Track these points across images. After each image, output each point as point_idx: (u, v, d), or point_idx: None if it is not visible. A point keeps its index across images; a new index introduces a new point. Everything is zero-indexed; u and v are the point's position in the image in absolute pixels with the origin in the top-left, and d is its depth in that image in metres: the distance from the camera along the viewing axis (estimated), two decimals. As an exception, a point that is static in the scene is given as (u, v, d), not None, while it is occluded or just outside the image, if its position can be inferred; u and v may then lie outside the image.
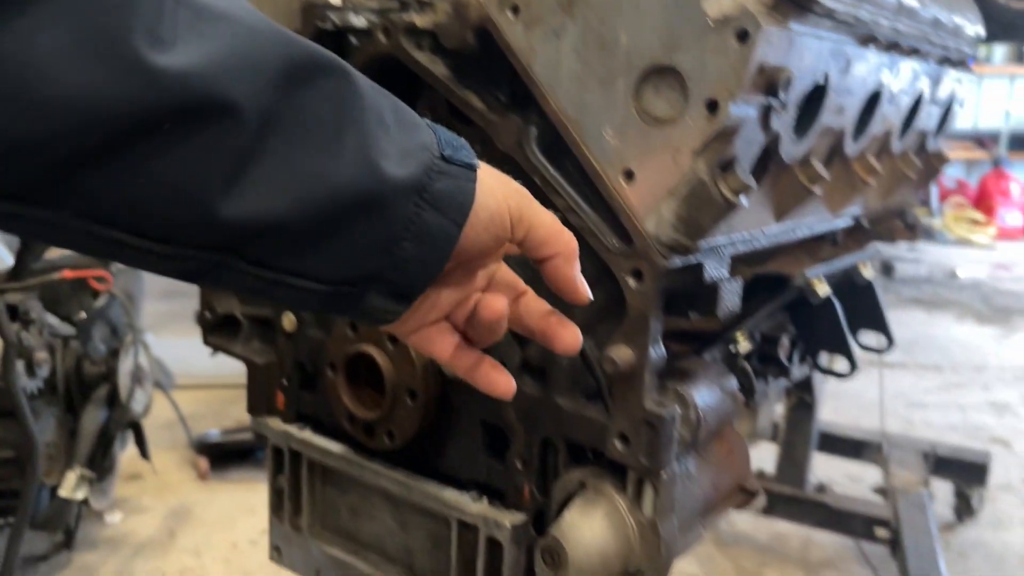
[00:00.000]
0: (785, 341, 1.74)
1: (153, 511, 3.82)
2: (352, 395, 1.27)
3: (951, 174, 11.89)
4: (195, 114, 0.55)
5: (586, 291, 0.82)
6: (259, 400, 1.46)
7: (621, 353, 1.00)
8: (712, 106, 0.92)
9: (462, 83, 1.12)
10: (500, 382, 0.80)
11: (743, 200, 0.95)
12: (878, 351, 1.74)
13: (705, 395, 1.15)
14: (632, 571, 1.03)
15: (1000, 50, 12.01)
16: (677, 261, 0.99)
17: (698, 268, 1.02)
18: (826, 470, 3.97)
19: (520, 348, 1.15)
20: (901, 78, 1.29)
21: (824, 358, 1.68)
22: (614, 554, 1.01)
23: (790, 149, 1.07)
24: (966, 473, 4.01)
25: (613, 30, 0.96)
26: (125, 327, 3.69)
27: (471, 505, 1.19)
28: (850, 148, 1.25)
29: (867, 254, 1.60)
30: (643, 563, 1.02)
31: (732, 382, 1.23)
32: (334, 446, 1.35)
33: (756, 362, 1.60)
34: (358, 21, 1.23)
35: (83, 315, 3.54)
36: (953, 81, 1.52)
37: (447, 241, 0.71)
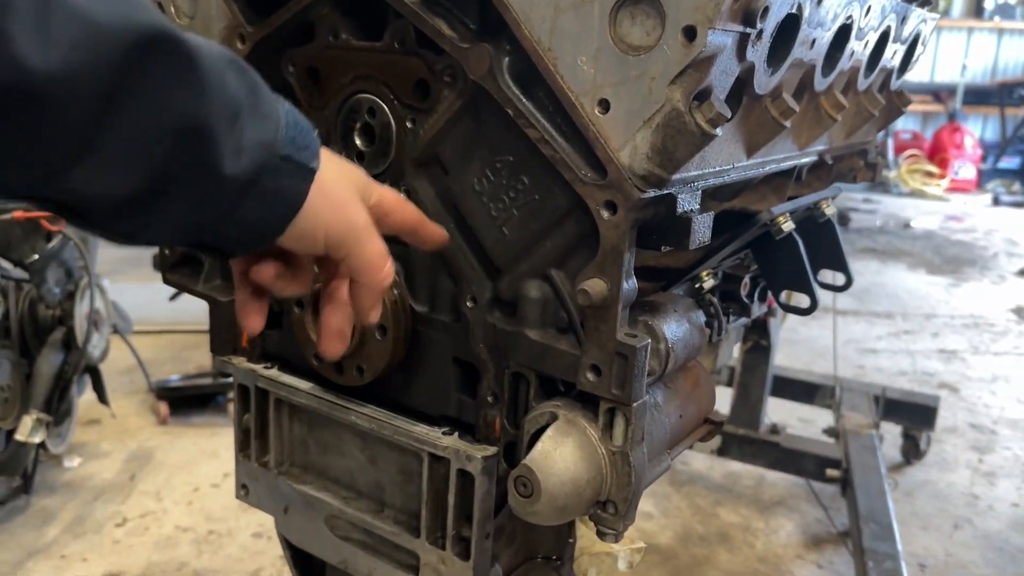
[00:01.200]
0: (746, 280, 1.76)
1: (113, 456, 3.78)
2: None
3: (907, 127, 12.08)
4: (31, 97, 0.58)
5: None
6: (223, 340, 1.44)
7: (594, 286, 1.00)
8: (689, 33, 0.90)
9: (431, 10, 1.09)
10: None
11: (718, 131, 0.95)
12: (837, 289, 1.77)
13: (674, 328, 1.16)
14: (603, 500, 1.05)
15: (959, 3, 12.13)
16: (650, 193, 0.98)
17: (671, 200, 1.02)
18: (779, 413, 4.08)
19: (491, 283, 1.15)
20: (870, 13, 1.29)
21: (784, 296, 1.71)
22: (586, 483, 1.02)
23: (763, 80, 1.06)
24: (915, 416, 4.15)
25: (589, -46, 0.94)
26: (80, 270, 3.60)
27: (442, 439, 1.19)
28: (819, 83, 1.25)
29: (829, 192, 1.62)
30: (613, 492, 1.04)
31: (700, 316, 1.24)
32: (302, 383, 1.34)
33: (718, 300, 1.62)
34: (322, -56, 1.18)
35: (36, 257, 3.44)
36: (918, 20, 1.52)
37: (265, 235, 0.82)
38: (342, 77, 1.21)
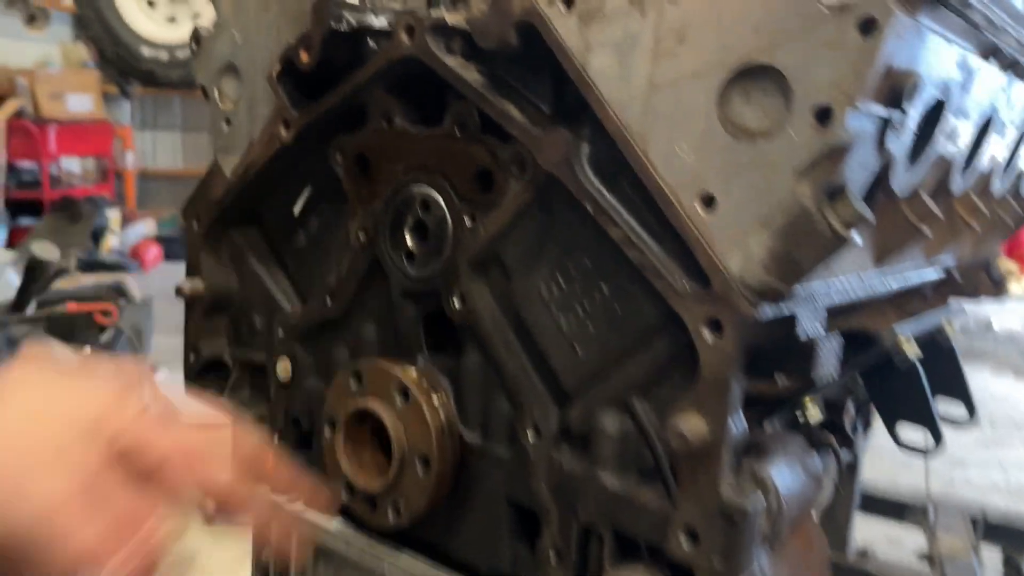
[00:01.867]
0: (850, 407, 1.52)
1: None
2: (353, 459, 1.07)
3: (981, 235, 11.62)
4: None
5: None
6: (246, 458, 1.25)
7: (692, 424, 0.79)
8: (823, 115, 0.72)
9: (498, 91, 0.94)
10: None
11: (855, 235, 0.75)
12: (959, 424, 1.51)
13: (787, 476, 0.93)
14: None
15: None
16: (766, 310, 0.78)
17: (789, 321, 0.82)
18: (865, 531, 3.68)
19: (558, 410, 0.95)
20: (1014, 105, 1.09)
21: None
22: None
23: (902, 178, 0.87)
24: (1018, 540, 3.70)
25: (695, 21, 0.78)
26: (130, 363, 3.50)
27: (492, 603, 0.97)
28: (956, 184, 1.05)
29: (952, 311, 1.39)
30: None
31: (816, 461, 1.01)
32: (329, 522, 1.14)
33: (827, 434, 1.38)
34: (378, 22, 1.05)
35: (88, 351, 3.37)
36: (1058, 116, 1.31)
37: None
38: (395, 166, 1.05)
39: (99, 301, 3.36)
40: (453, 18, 0.95)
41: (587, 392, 0.92)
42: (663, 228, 0.83)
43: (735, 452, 0.82)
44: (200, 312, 1.28)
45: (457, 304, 1.00)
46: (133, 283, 4.02)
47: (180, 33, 7.60)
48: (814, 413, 1.26)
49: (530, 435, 0.95)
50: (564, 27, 0.86)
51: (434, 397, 1.02)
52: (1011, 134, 1.16)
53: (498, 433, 1.01)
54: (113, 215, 9.39)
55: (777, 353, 0.83)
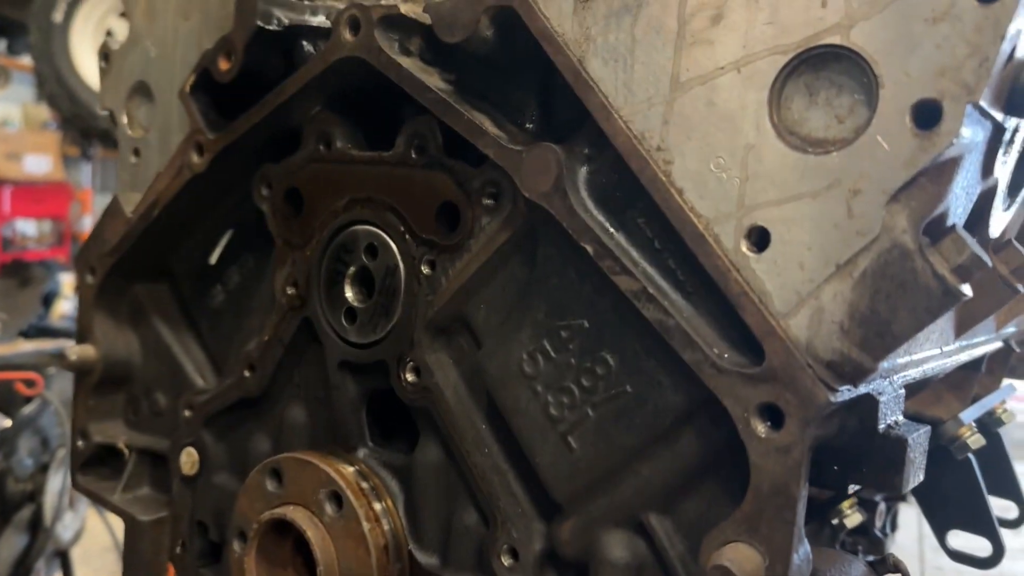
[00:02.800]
0: (882, 507, 1.28)
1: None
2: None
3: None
4: None
5: None
6: (139, 575, 0.98)
7: (740, 558, 0.55)
8: (927, 114, 0.51)
9: (467, 101, 0.72)
10: None
11: (967, 289, 0.53)
12: (1013, 525, 1.28)
13: (853, 621, 0.68)
14: None
15: None
16: (844, 392, 0.55)
17: (869, 406, 0.58)
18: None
19: (544, 525, 0.70)
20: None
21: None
22: None
23: (998, 216, 0.65)
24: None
25: (736, -10, 0.57)
26: (58, 438, 3.19)
27: None
28: (1037, 234, 0.84)
29: (1005, 392, 1.17)
30: None
31: (879, 590, 0.77)
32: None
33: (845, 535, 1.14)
34: (316, 19, 0.84)
35: (7, 424, 3.06)
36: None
37: None
38: (334, 202, 0.82)
39: (23, 370, 3.05)
40: (409, 8, 0.74)
41: (585, 504, 0.67)
42: (694, 278, 0.60)
43: (797, 594, 0.58)
44: (91, 386, 1.02)
45: (411, 379, 0.76)
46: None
47: (143, 96, 7.43)
48: (854, 519, 1.02)
49: (505, 560, 0.70)
50: (555, 10, 0.64)
51: (376, 505, 0.77)
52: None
53: (463, 556, 0.75)
54: (67, 280, 9.06)
55: (850, 453, 0.60)
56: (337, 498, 0.76)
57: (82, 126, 7.23)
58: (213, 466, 0.93)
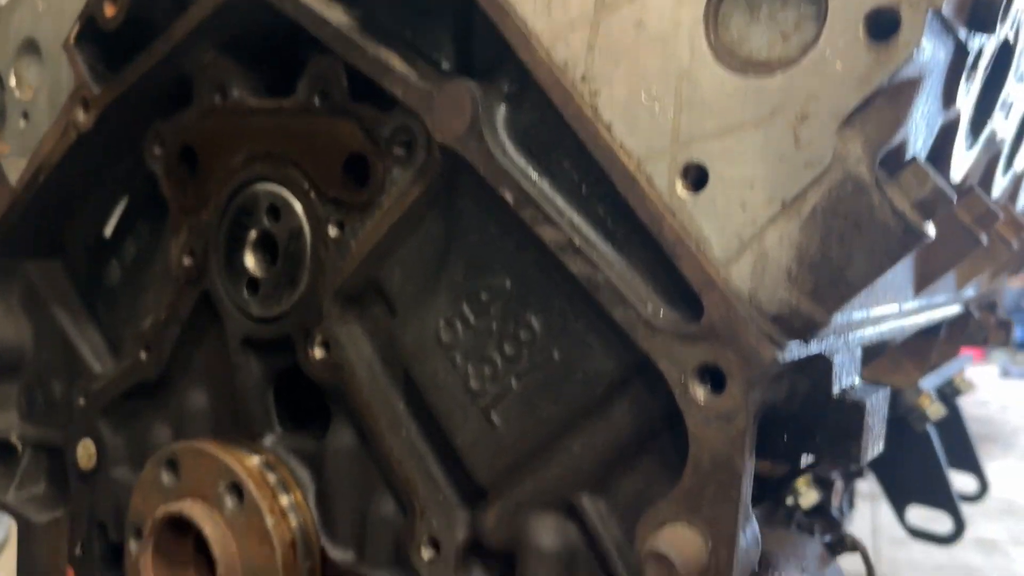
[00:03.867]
0: (839, 485, 1.24)
1: None
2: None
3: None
4: None
5: None
6: (34, 583, 0.89)
7: (679, 541, 0.48)
8: (884, 23, 0.44)
9: (374, 36, 0.64)
10: None
11: (930, 227, 0.46)
12: (972, 499, 1.24)
13: (810, 607, 0.62)
14: None
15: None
16: (791, 350, 0.48)
17: (821, 367, 0.52)
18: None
19: (467, 513, 0.62)
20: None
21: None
22: None
23: (960, 156, 0.59)
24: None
25: None
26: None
27: None
28: (997, 184, 0.79)
29: (962, 362, 1.13)
30: None
31: (837, 571, 0.70)
32: None
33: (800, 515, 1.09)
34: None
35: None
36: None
37: None
38: (231, 158, 0.73)
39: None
40: (307, -66, 0.65)
41: (511, 487, 0.60)
42: (625, 225, 0.53)
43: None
44: (-24, 376, 0.92)
45: (319, 355, 0.68)
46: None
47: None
48: (809, 497, 0.97)
49: (424, 554, 0.63)
50: (466, -72, 0.57)
51: (283, 498, 0.68)
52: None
53: (380, 549, 0.67)
54: None
55: (802, 421, 0.53)
56: (238, 491, 0.68)
57: None
58: (111, 459, 0.84)
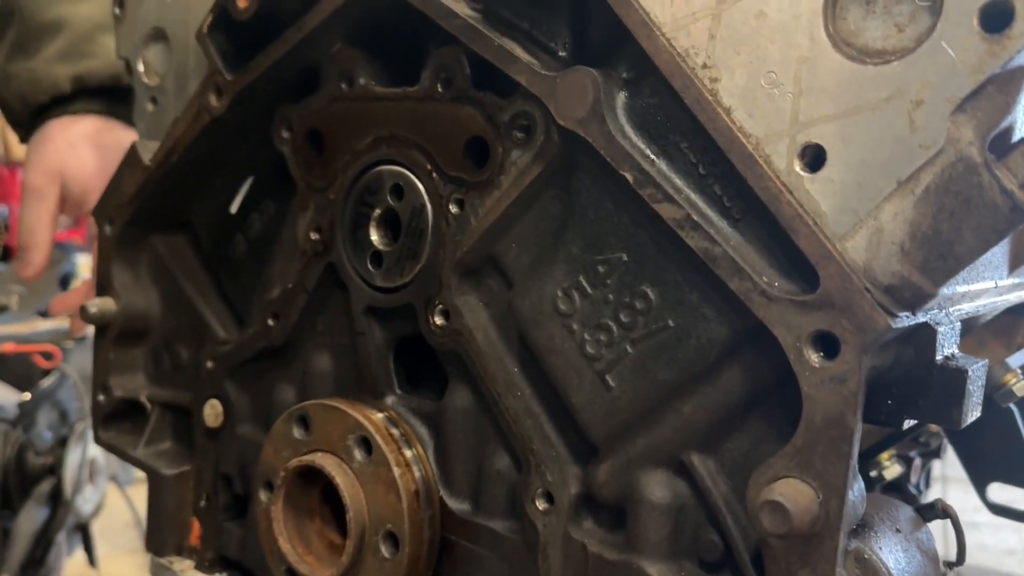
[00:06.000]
0: (917, 462, 1.26)
1: (101, 628, 3.25)
2: (296, 534, 0.78)
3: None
4: None
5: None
6: (164, 531, 0.97)
7: (793, 493, 0.52)
8: (998, 16, 0.47)
9: (496, 26, 0.69)
10: None
11: (1038, 205, 0.49)
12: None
13: (903, 563, 0.66)
14: None
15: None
16: (903, 319, 0.52)
17: (925, 337, 0.55)
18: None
19: (580, 468, 0.68)
20: None
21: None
22: None
23: (1062, 139, 0.62)
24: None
25: None
26: (76, 412, 3.21)
27: None
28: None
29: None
30: None
31: (930, 538, 0.74)
32: (264, 616, 0.85)
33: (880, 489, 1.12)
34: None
35: (27, 396, 3.07)
36: None
37: None
38: (357, 141, 0.79)
39: (39, 342, 3.06)
40: (436, -68, 0.70)
41: (623, 445, 0.65)
42: (742, 203, 0.57)
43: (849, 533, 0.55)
44: (111, 340, 1.00)
45: (440, 322, 0.74)
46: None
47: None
48: (893, 470, 1.00)
49: (539, 505, 0.68)
50: (591, -74, 0.61)
51: (406, 451, 0.75)
52: None
53: (495, 501, 0.73)
54: (83, 261, 9.10)
55: (906, 386, 0.57)
56: (366, 444, 0.74)
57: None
58: (237, 417, 0.91)
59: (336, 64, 0.80)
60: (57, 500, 3.08)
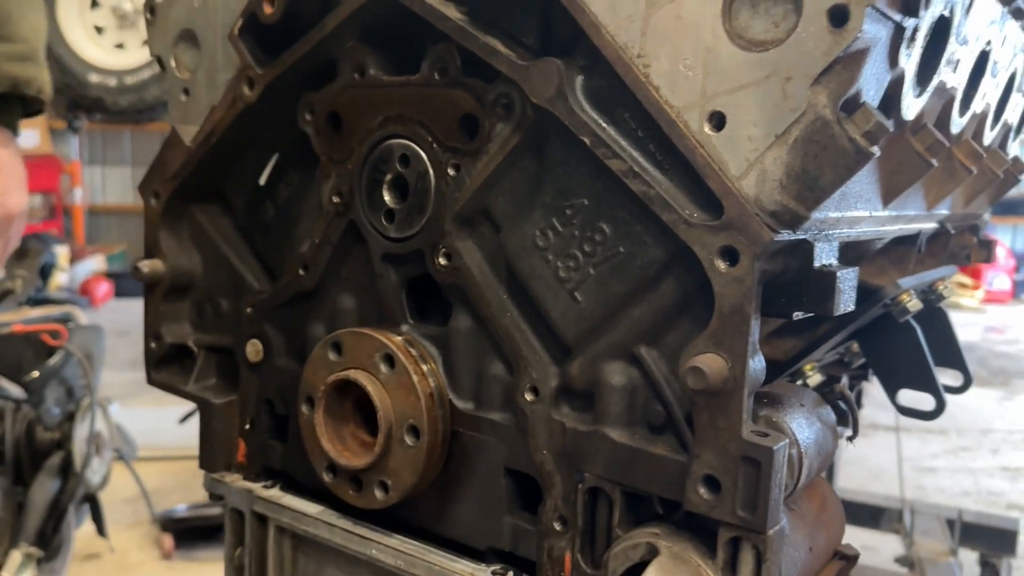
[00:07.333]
0: (845, 380, 1.48)
1: (111, 594, 3.43)
2: (334, 437, 0.98)
3: (934, 241, 11.89)
4: None
5: None
6: (216, 452, 1.16)
7: (709, 362, 0.73)
8: (838, 16, 0.67)
9: (480, 26, 0.88)
10: None
11: (876, 149, 0.70)
12: (956, 390, 1.48)
13: (804, 427, 0.87)
14: (729, 671, 0.74)
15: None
16: (784, 235, 0.73)
17: (806, 249, 0.76)
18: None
19: (558, 368, 0.88)
20: (1006, 45, 1.06)
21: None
22: (708, 648, 0.72)
23: (910, 101, 0.82)
24: (994, 541, 3.71)
25: (694, -74, 0.73)
26: (82, 388, 3.35)
27: (493, 581, 0.89)
28: (955, 124, 1.01)
29: (947, 271, 1.36)
30: (744, 660, 0.73)
31: (830, 413, 0.95)
32: (310, 507, 1.05)
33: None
34: (348, -35, 0.99)
35: (35, 375, 3.22)
36: (1041, 69, 1.30)
37: None
38: (369, 121, 0.98)
39: (45, 322, 3.21)
40: (430, -48, 0.89)
41: (589, 344, 0.85)
42: (669, 156, 0.77)
43: (752, 395, 0.76)
44: (160, 295, 1.19)
45: (443, 263, 0.94)
46: (82, 314, 3.87)
47: (129, 59, 7.44)
48: (815, 378, 1.21)
49: (528, 397, 0.89)
50: (552, -51, 0.80)
51: (422, 364, 0.94)
52: (1002, 77, 1.13)
53: (493, 399, 0.93)
54: (62, 252, 9.13)
55: (793, 288, 0.78)
56: (390, 360, 0.94)
57: (71, 94, 7.24)
58: (275, 352, 1.11)
59: (350, 58, 0.99)
60: (67, 472, 3.25)
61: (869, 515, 3.79)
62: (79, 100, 7.63)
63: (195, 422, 1.19)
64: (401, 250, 0.97)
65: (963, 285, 10.79)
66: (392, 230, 0.98)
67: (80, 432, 3.30)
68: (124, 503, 4.22)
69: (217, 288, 1.19)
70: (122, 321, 6.84)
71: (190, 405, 1.22)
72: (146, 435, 4.04)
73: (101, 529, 3.40)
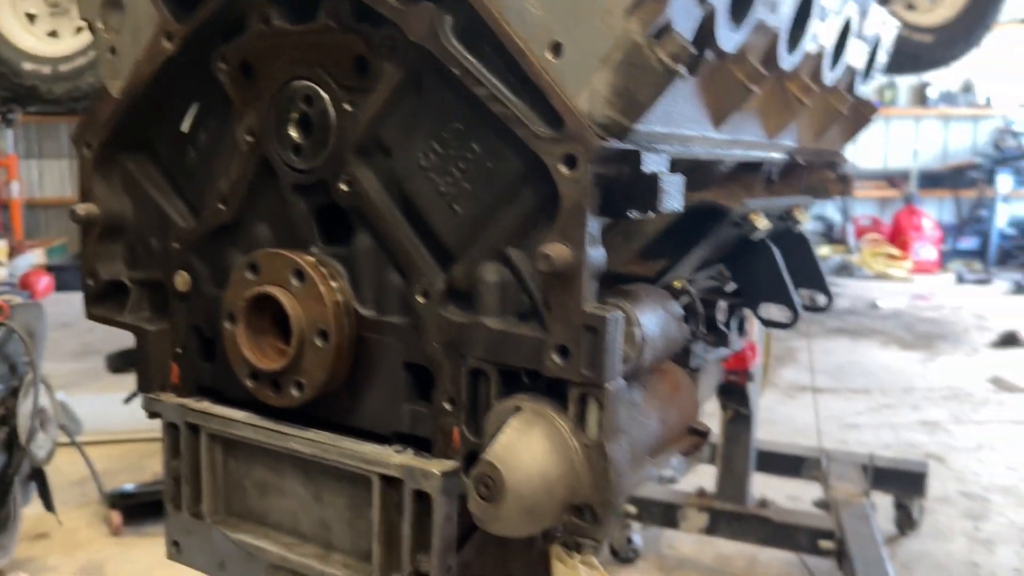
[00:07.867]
0: (723, 304, 1.65)
1: (60, 570, 3.49)
2: (254, 346, 1.12)
3: (865, 212, 12.35)
4: None
5: None
6: (151, 375, 1.29)
7: (555, 250, 0.88)
8: (643, -42, 0.83)
9: (368, -21, 1.02)
10: None
11: (681, 68, 0.86)
12: (819, 309, 1.66)
13: (648, 314, 1.03)
14: (579, 503, 0.90)
15: (904, 93, 12.68)
16: (613, 143, 0.88)
17: (635, 158, 0.92)
18: (765, 492, 3.90)
19: (444, 273, 1.03)
20: (832, -5, 1.24)
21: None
22: (556, 479, 0.88)
23: (726, 35, 0.99)
24: (905, 484, 4.00)
25: None
26: (25, 365, 3.40)
27: (393, 457, 1.04)
28: (784, 60, 1.18)
29: (803, 200, 1.54)
30: (590, 493, 0.89)
31: (676, 306, 1.12)
32: (237, 413, 1.18)
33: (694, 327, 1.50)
34: (253, -71, 1.12)
35: (-23, 350, 3.25)
36: (879, 20, 1.48)
37: None
38: (276, 66, 1.12)
39: (-12, 299, 3.25)
40: (320, -85, 1.03)
41: (468, 249, 1.00)
42: (521, 81, 0.92)
43: (596, 278, 0.92)
44: (95, 237, 1.31)
45: (345, 188, 1.07)
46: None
47: (62, 47, 7.36)
48: (683, 299, 1.38)
49: (420, 299, 1.03)
50: (421, -90, 0.94)
51: (331, 282, 1.08)
52: (834, 23, 1.31)
53: (391, 305, 1.08)
54: (0, 246, 9.01)
55: (627, 191, 0.93)
56: (300, 274, 1.08)
57: (4, 84, 7.12)
58: (201, 281, 1.24)
59: (257, 11, 1.12)
60: (12, 447, 3.30)
61: (791, 464, 4.06)
62: (13, 89, 7.50)
63: (137, 404, 1.30)
64: (308, 180, 1.11)
65: (892, 256, 11.24)
66: (299, 163, 1.11)
67: (24, 408, 3.35)
68: (72, 484, 4.27)
69: (147, 228, 1.31)
70: (64, 314, 6.81)
71: (133, 387, 1.33)
72: (92, 420, 4.09)
73: (49, 505, 3.45)
